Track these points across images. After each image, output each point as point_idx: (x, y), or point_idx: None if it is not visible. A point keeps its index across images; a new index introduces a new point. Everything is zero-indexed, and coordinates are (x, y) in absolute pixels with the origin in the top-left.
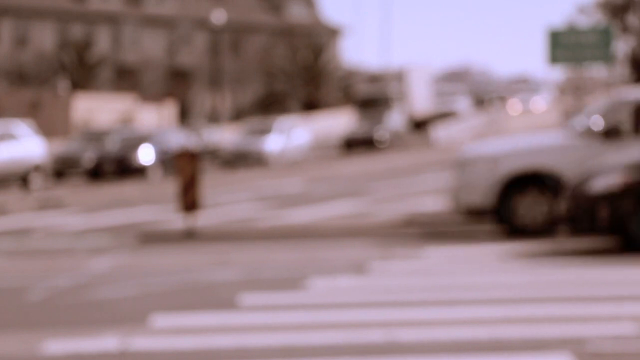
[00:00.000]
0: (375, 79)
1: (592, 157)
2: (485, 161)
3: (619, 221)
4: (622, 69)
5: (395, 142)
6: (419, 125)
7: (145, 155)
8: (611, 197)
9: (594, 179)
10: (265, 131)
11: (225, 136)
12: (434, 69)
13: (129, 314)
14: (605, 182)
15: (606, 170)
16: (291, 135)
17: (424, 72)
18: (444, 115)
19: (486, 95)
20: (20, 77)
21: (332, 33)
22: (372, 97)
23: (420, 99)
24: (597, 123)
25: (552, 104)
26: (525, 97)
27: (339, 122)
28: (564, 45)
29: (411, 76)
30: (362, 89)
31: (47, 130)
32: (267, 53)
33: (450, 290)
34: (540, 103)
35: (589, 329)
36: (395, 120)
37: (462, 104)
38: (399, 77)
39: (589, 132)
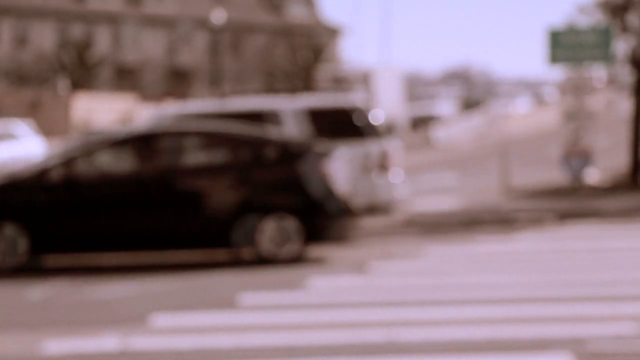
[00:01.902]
0: (338, 80)
1: None
2: None
3: None
4: (622, 69)
5: None
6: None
7: None
8: None
9: None
10: None
11: None
12: (403, 71)
13: (129, 314)
14: None
15: None
16: None
17: (393, 74)
18: (422, 120)
19: (482, 97)
20: (20, 77)
21: (332, 33)
22: None
23: (389, 102)
24: None
25: (552, 105)
26: (520, 100)
27: None
28: (564, 45)
29: (377, 78)
30: (324, 91)
31: (47, 130)
32: (267, 53)
33: (450, 290)
34: (524, 107)
35: (589, 329)
36: None
37: (446, 107)
38: (365, 79)
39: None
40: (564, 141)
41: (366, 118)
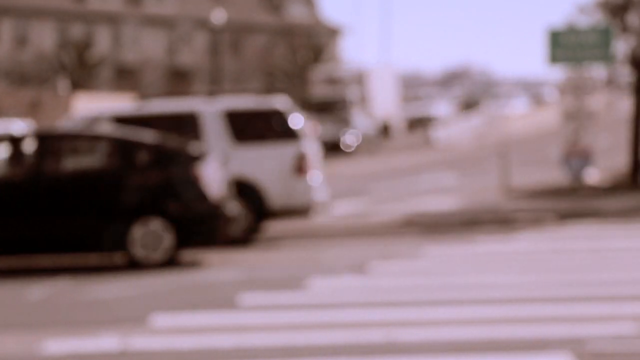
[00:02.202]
0: (332, 81)
1: None
2: None
3: None
4: (622, 69)
5: (365, 147)
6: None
7: None
8: None
9: None
10: None
11: None
12: (399, 71)
13: (129, 314)
14: None
15: None
16: None
17: (388, 74)
18: (418, 120)
19: (481, 97)
20: (20, 77)
21: (332, 33)
22: (328, 101)
23: (383, 102)
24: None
25: (551, 105)
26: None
27: None
28: (564, 45)
29: (372, 79)
30: (318, 92)
31: None
32: (267, 53)
33: (450, 290)
34: (524, 107)
35: (589, 329)
36: (364, 123)
37: (443, 108)
38: (360, 79)
39: None
40: (564, 141)
41: (286, 121)
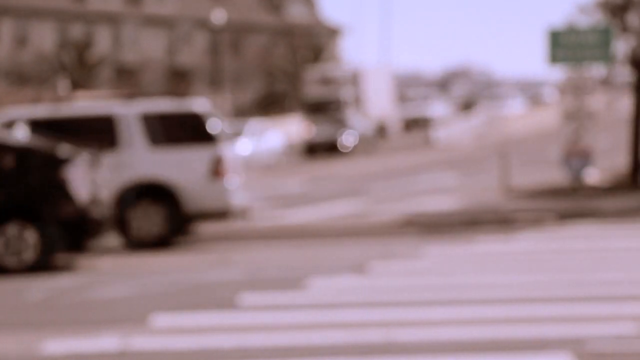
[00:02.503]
0: (327, 81)
1: None
2: None
3: None
4: (622, 69)
5: (362, 147)
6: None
7: None
8: None
9: None
10: (236, 134)
11: None
12: (394, 71)
13: (129, 314)
14: None
15: None
16: (263, 138)
17: (383, 74)
18: (415, 121)
19: (481, 97)
20: (20, 77)
21: (332, 33)
22: (323, 101)
23: (378, 102)
24: None
25: (551, 105)
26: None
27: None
28: (564, 45)
29: (366, 78)
30: (312, 92)
31: None
32: (267, 53)
33: (449, 290)
34: (523, 107)
35: (589, 329)
36: (360, 124)
37: (439, 108)
38: (354, 79)
39: None
40: (564, 141)
41: (204, 124)
